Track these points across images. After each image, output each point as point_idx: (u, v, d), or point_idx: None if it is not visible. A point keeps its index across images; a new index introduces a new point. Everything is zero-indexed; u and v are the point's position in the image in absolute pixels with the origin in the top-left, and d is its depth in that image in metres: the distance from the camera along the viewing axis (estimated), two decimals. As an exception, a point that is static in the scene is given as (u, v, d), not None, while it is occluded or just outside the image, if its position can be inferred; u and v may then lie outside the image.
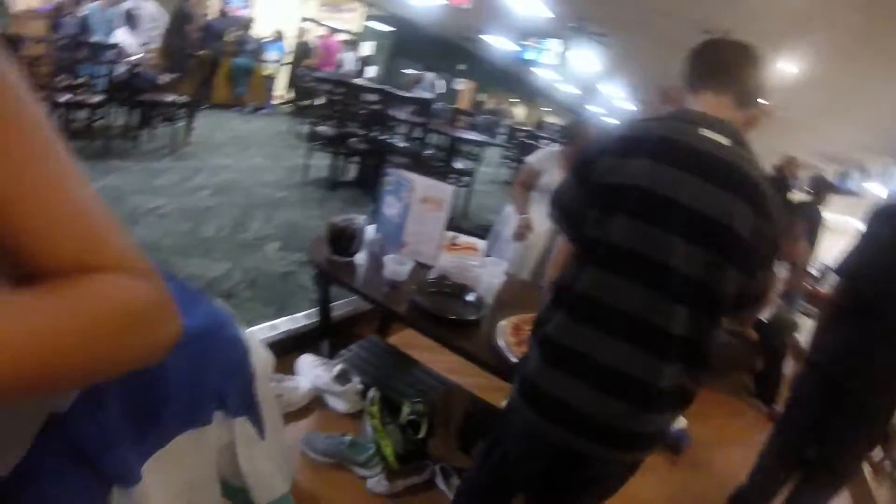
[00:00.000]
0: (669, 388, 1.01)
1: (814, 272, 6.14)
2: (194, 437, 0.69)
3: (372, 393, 1.97)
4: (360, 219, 1.63)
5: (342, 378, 1.99)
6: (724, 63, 1.13)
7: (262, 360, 0.85)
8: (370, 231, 1.84)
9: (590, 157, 1.08)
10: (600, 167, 1.04)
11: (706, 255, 0.98)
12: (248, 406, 0.80)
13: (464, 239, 1.72)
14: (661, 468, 2.46)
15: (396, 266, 1.55)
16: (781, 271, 4.42)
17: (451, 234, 1.73)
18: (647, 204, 1.00)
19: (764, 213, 0.99)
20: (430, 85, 9.44)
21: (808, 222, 4.30)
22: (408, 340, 2.47)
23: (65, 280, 0.34)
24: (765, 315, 3.47)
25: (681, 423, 2.60)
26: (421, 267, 1.77)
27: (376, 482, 1.74)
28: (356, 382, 2.00)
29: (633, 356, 1.00)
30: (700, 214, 0.97)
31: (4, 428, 0.46)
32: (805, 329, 3.32)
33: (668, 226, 0.98)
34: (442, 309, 1.48)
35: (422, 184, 1.70)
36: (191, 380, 0.68)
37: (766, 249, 1.02)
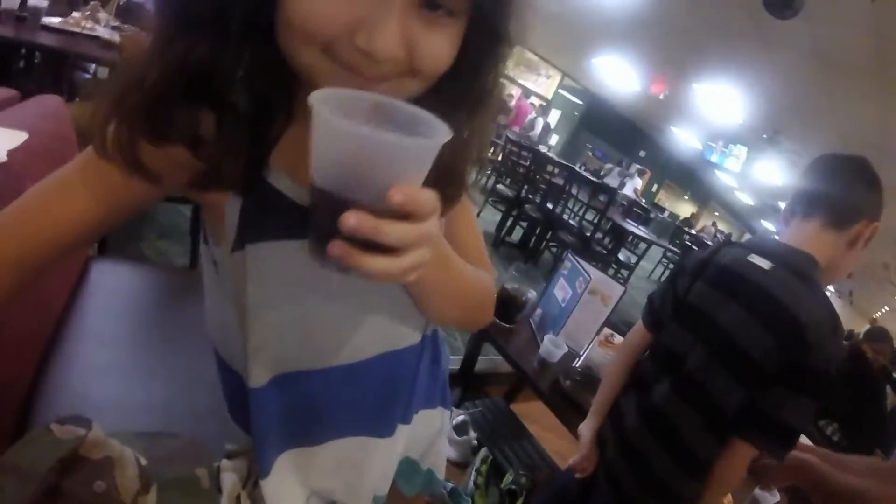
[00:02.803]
0: None
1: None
2: (426, 415, 0.85)
3: (484, 453, 2.04)
4: (530, 293, 1.74)
5: (461, 428, 2.08)
6: (816, 182, 1.14)
7: None
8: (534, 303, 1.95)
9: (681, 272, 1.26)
10: (680, 284, 1.22)
11: (710, 362, 1.08)
12: (448, 403, 0.96)
13: (619, 339, 1.74)
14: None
15: (552, 347, 1.63)
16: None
17: (608, 331, 1.77)
18: (685, 311, 1.17)
19: (788, 340, 0.99)
20: (619, 181, 9.53)
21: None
22: (528, 413, 2.50)
23: (478, 265, 0.69)
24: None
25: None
26: (569, 351, 1.82)
27: (463, 536, 1.79)
28: (472, 437, 2.08)
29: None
30: (716, 325, 1.09)
31: (375, 335, 0.67)
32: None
33: (696, 333, 1.13)
34: (582, 400, 1.52)
35: (596, 277, 1.77)
36: (434, 368, 0.86)
37: (784, 375, 1.00)
